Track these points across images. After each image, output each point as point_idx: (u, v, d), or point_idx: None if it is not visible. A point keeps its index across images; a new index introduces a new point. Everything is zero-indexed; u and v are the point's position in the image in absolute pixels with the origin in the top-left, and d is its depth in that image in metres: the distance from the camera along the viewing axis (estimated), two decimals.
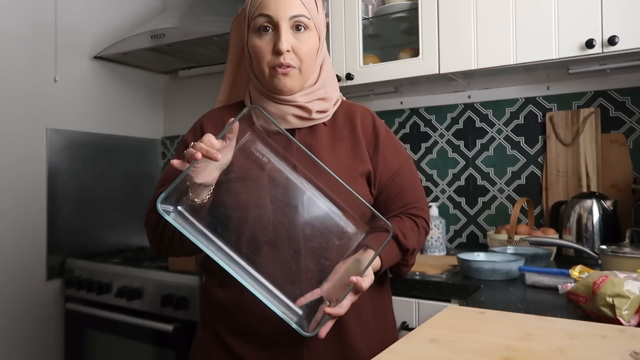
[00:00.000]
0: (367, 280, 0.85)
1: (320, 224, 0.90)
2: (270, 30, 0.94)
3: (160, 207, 0.74)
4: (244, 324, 0.95)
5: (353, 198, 0.88)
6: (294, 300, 0.84)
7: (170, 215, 0.76)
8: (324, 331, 0.81)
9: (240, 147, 0.88)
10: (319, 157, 0.97)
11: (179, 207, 0.80)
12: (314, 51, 0.97)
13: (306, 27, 0.95)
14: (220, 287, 0.98)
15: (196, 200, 0.83)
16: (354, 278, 0.83)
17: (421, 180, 2.08)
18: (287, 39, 0.93)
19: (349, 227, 0.91)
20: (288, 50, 0.93)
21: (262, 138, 0.91)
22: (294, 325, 0.78)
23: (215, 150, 0.79)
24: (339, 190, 0.89)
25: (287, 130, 0.99)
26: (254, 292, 0.77)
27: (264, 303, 0.78)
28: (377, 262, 0.93)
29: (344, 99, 1.10)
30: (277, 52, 0.93)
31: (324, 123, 1.02)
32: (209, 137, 0.81)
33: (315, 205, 0.90)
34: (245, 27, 0.99)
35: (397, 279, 1.05)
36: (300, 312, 0.83)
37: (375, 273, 0.93)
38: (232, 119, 0.83)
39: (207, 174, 0.82)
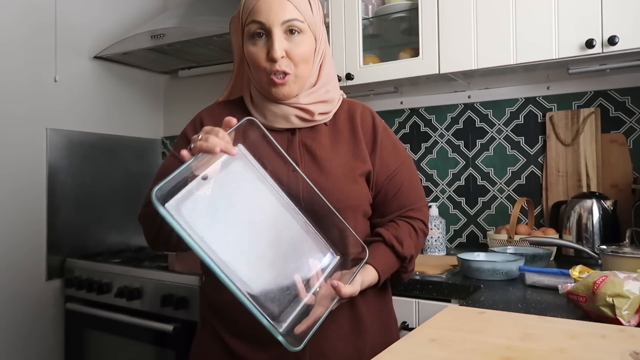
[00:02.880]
0: (348, 287, 0.84)
1: (297, 245, 0.90)
2: (264, 36, 0.93)
3: (155, 198, 0.68)
4: (245, 325, 0.95)
5: (337, 219, 0.90)
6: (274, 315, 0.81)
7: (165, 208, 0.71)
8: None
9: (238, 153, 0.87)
10: (318, 157, 0.97)
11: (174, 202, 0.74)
12: (310, 54, 0.96)
13: (300, 31, 0.93)
14: (221, 288, 0.97)
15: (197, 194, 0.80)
16: (334, 281, 0.82)
17: (421, 180, 2.08)
18: (280, 44, 0.91)
19: (323, 248, 0.92)
20: (282, 57, 0.92)
21: (254, 150, 0.90)
22: (280, 338, 0.75)
23: (231, 145, 0.78)
24: (326, 210, 0.90)
25: (288, 129, 0.99)
26: (237, 295, 0.73)
27: (248, 308, 0.74)
28: (374, 275, 0.94)
29: (345, 96, 1.10)
30: (271, 59, 0.92)
31: (324, 123, 1.02)
32: (222, 132, 0.79)
33: (292, 226, 0.90)
34: (240, 32, 0.98)
35: (397, 285, 1.05)
36: (281, 327, 0.80)
37: (376, 285, 0.95)
38: (234, 119, 0.81)
39: (210, 167, 0.80)
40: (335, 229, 0.92)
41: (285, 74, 0.93)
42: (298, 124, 0.98)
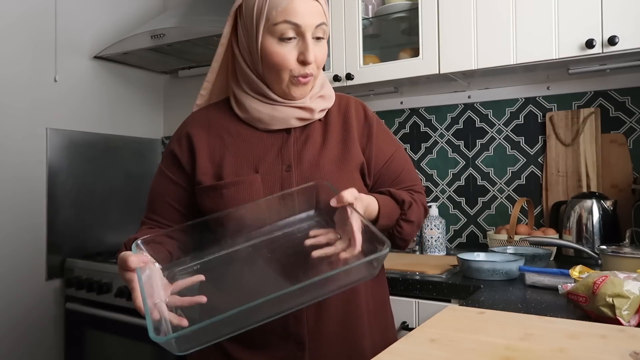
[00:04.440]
0: (345, 191, 0.81)
1: (286, 249, 0.87)
2: (294, 38, 0.90)
3: (159, 340, 0.63)
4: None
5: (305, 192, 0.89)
6: None
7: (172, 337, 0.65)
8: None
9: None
10: (312, 155, 0.96)
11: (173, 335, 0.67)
12: (326, 57, 0.97)
13: (324, 35, 0.94)
14: (217, 291, 0.97)
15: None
16: (333, 200, 0.80)
17: (421, 180, 2.08)
18: (313, 49, 0.91)
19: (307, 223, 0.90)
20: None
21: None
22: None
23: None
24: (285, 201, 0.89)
25: (283, 130, 0.98)
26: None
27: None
28: (372, 198, 0.91)
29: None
30: (302, 63, 0.91)
31: (318, 119, 1.01)
32: (130, 261, 0.76)
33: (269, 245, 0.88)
34: (257, 27, 0.91)
35: (403, 246, 1.02)
36: None
37: (377, 220, 0.92)
38: (132, 261, 0.77)
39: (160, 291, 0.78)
40: (314, 198, 0.90)
41: (311, 76, 0.93)
42: (297, 124, 0.98)
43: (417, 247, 1.90)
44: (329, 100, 1.02)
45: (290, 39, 0.90)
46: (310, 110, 0.97)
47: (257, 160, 0.95)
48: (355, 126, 1.02)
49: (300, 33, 0.90)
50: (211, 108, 1.04)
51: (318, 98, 0.99)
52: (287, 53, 0.90)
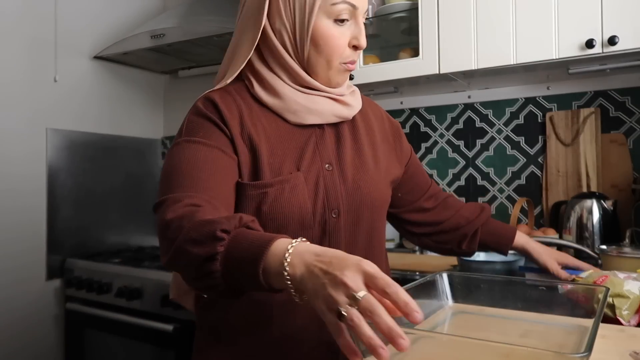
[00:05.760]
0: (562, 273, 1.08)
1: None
2: (347, 21, 0.85)
3: None
4: (273, 343, 0.85)
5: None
6: None
7: None
8: None
9: None
10: (350, 153, 0.91)
11: None
12: None
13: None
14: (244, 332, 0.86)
15: None
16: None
17: None
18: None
19: None
20: None
21: None
22: None
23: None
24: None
25: (315, 125, 0.89)
26: None
27: None
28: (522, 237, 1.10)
29: None
30: (355, 47, 0.87)
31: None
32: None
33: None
34: (311, 6, 0.83)
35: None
36: None
37: None
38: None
39: None
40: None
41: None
42: (333, 120, 0.90)
43: (417, 247, 1.89)
44: (359, 99, 0.96)
45: (343, 21, 0.85)
46: (349, 106, 0.91)
47: (295, 155, 0.85)
48: (375, 127, 0.98)
49: (354, 16, 0.86)
50: (230, 92, 0.88)
51: (350, 95, 0.93)
52: (340, 36, 0.85)
